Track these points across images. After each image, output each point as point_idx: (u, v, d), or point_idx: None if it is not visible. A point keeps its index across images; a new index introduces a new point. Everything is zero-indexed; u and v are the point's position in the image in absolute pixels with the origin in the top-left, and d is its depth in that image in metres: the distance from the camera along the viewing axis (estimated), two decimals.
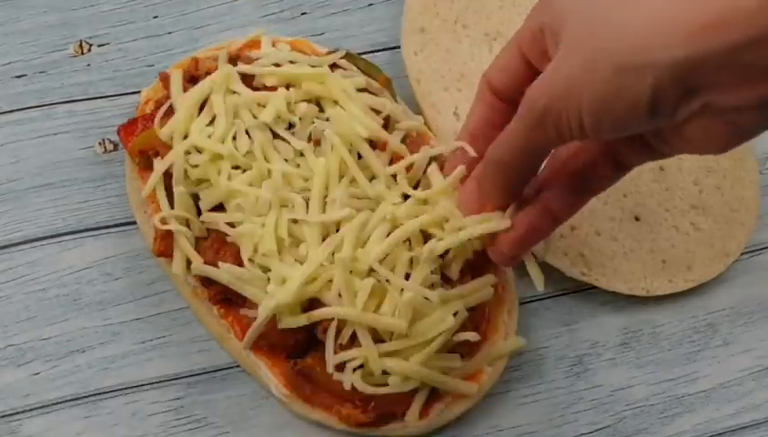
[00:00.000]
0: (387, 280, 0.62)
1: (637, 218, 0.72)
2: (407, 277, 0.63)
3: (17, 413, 0.65)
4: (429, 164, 0.65)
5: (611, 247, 0.71)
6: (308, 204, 0.64)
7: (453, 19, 0.75)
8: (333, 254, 0.62)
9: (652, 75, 0.44)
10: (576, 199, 0.58)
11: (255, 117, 0.66)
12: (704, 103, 0.46)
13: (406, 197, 0.65)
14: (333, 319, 0.62)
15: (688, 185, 0.73)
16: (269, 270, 0.63)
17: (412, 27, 0.75)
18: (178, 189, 0.65)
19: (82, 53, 0.75)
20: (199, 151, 0.65)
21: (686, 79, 0.44)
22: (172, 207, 0.65)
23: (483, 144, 0.58)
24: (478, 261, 0.65)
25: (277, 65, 0.68)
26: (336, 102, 0.67)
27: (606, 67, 0.46)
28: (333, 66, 0.70)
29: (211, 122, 0.66)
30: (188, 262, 0.65)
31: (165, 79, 0.69)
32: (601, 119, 0.47)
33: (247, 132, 0.65)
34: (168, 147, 0.66)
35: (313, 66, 0.68)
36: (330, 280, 0.62)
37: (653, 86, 0.45)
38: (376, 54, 0.77)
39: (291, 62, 0.69)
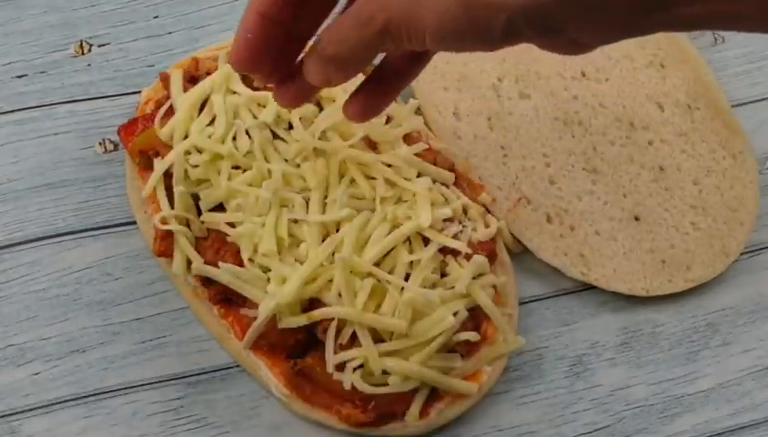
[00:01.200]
0: (387, 281, 0.62)
1: (637, 218, 0.72)
2: (407, 276, 0.63)
3: (17, 413, 0.65)
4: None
5: (610, 247, 0.71)
6: (308, 204, 0.64)
7: None
8: (333, 254, 0.62)
9: (506, 15, 0.45)
10: (415, 65, 0.58)
11: (255, 117, 0.66)
12: (561, 36, 0.46)
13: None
14: (333, 318, 0.62)
15: (687, 185, 0.73)
16: (269, 270, 0.63)
17: None
18: (178, 189, 0.65)
19: (82, 53, 0.75)
20: (199, 151, 0.65)
21: (541, 21, 0.45)
22: (172, 207, 0.65)
23: (272, 24, 0.54)
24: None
25: None
26: (334, 101, 0.67)
27: (456, 2, 0.46)
28: None
29: (211, 122, 0.66)
30: (188, 262, 0.65)
31: (165, 79, 0.69)
32: (448, 42, 0.48)
33: (247, 132, 0.66)
34: (168, 147, 0.66)
35: None
36: (330, 280, 0.62)
37: (507, 25, 0.45)
38: None
39: None
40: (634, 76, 0.75)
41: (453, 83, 0.74)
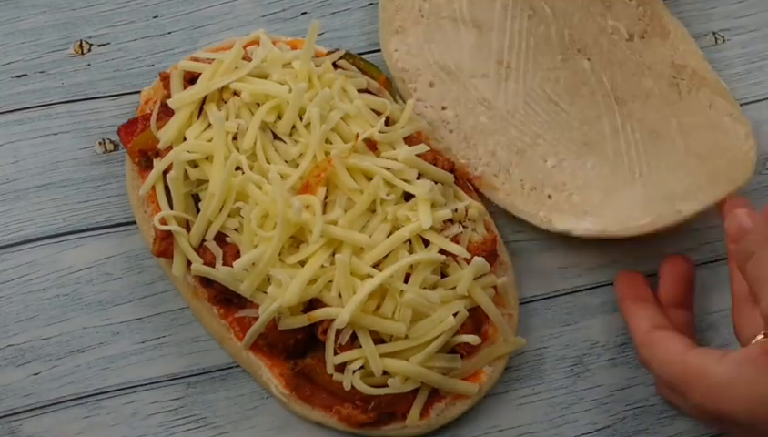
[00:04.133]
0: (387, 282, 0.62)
1: (640, 175, 0.70)
2: (407, 276, 0.63)
3: (17, 413, 0.65)
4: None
5: (614, 202, 0.69)
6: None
7: (428, 12, 0.75)
8: (333, 255, 0.62)
9: None
10: None
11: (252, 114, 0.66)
12: None
13: (407, 197, 0.66)
14: (333, 319, 0.62)
15: (687, 139, 0.71)
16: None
17: (390, 28, 0.74)
18: (177, 189, 0.65)
19: (82, 53, 0.75)
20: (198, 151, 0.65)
21: None
22: (172, 207, 0.65)
23: None
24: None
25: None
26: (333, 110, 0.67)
27: None
28: (333, 66, 0.70)
29: (210, 125, 0.66)
30: (188, 262, 0.65)
31: (165, 79, 0.69)
32: None
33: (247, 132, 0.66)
34: (168, 147, 0.66)
35: (317, 66, 0.69)
36: (331, 281, 0.62)
37: None
38: (376, 54, 0.76)
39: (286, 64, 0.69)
40: (615, 53, 0.74)
41: (438, 77, 0.73)
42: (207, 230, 0.65)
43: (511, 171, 0.71)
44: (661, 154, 0.71)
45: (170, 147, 0.66)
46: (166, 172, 0.65)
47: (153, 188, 0.66)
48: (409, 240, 0.64)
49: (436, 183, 0.66)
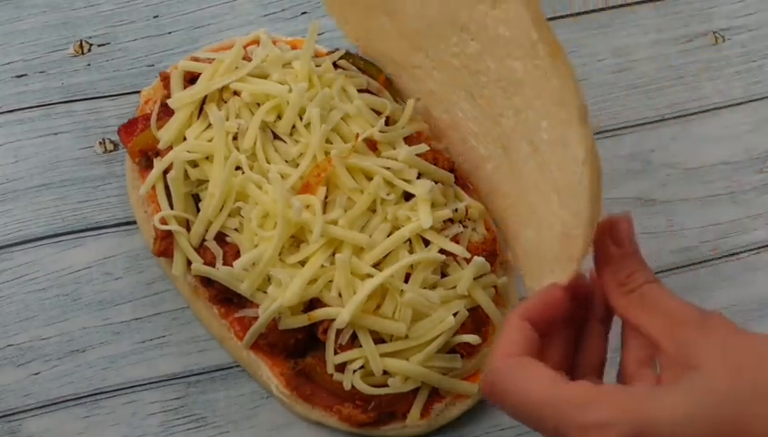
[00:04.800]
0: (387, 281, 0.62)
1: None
2: (407, 276, 0.63)
3: (17, 413, 0.65)
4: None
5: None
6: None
7: None
8: (333, 255, 0.62)
9: None
10: None
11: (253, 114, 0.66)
12: None
13: (407, 196, 0.66)
14: (333, 319, 0.62)
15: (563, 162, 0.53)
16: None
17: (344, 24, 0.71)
18: (177, 189, 0.65)
19: (82, 53, 0.75)
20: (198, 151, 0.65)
21: None
22: (172, 207, 0.65)
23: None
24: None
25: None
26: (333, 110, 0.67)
27: None
28: (333, 66, 0.70)
29: (210, 125, 0.66)
30: (189, 262, 0.65)
31: (165, 79, 0.69)
32: None
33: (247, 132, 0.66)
34: (168, 147, 0.66)
35: (318, 66, 0.69)
36: (331, 281, 0.62)
37: None
38: None
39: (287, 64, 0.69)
40: (485, 24, 0.57)
41: (407, 62, 0.68)
42: (207, 230, 0.65)
43: (471, 179, 0.68)
44: (539, 183, 0.57)
45: (170, 147, 0.66)
46: (166, 172, 0.65)
47: (153, 187, 0.66)
48: (409, 240, 0.64)
49: (436, 183, 0.66)
